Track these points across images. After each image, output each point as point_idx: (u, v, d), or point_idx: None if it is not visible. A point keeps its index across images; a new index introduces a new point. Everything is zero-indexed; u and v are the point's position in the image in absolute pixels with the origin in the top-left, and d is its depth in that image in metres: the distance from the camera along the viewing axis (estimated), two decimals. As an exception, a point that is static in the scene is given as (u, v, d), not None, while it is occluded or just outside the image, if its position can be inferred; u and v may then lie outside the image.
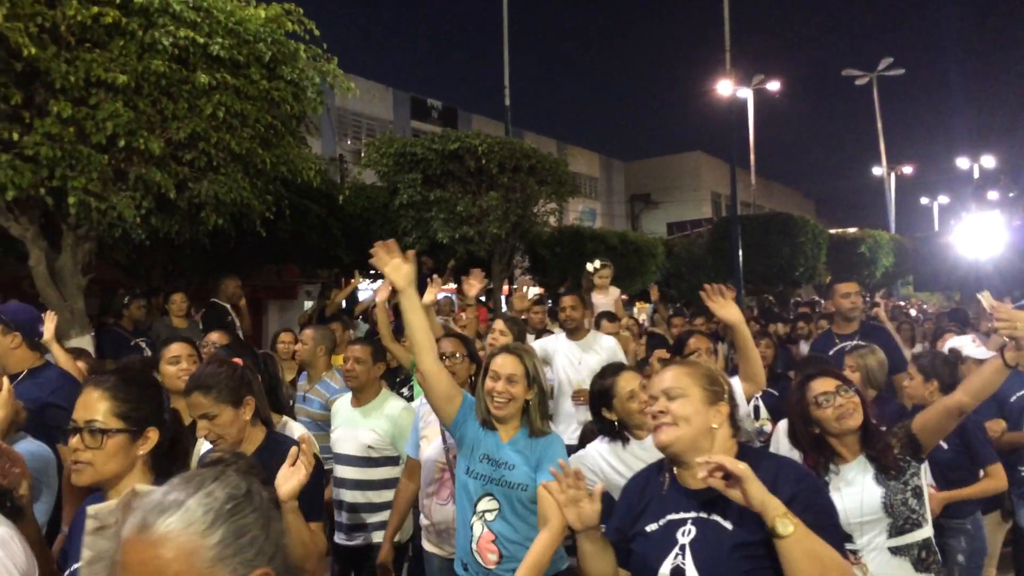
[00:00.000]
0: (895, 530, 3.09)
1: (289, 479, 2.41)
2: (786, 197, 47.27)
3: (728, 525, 2.14)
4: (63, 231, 7.11)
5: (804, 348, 7.44)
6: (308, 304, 16.56)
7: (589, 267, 8.42)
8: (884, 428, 3.30)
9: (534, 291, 15.88)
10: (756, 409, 5.44)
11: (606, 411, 3.52)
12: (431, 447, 3.97)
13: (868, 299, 24.53)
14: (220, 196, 7.07)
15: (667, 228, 34.42)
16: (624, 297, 19.12)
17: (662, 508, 2.29)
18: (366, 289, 14.39)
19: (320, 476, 2.76)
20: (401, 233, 12.28)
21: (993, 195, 33.60)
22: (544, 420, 3.24)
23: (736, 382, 3.65)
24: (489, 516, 3.17)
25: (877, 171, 37.25)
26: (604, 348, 5.84)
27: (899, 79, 34.90)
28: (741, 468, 1.96)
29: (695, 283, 22.02)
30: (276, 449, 2.66)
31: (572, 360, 5.85)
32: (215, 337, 4.97)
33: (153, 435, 2.30)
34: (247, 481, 1.41)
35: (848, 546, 3.11)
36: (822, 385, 3.17)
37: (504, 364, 3.22)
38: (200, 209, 7.19)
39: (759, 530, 2.01)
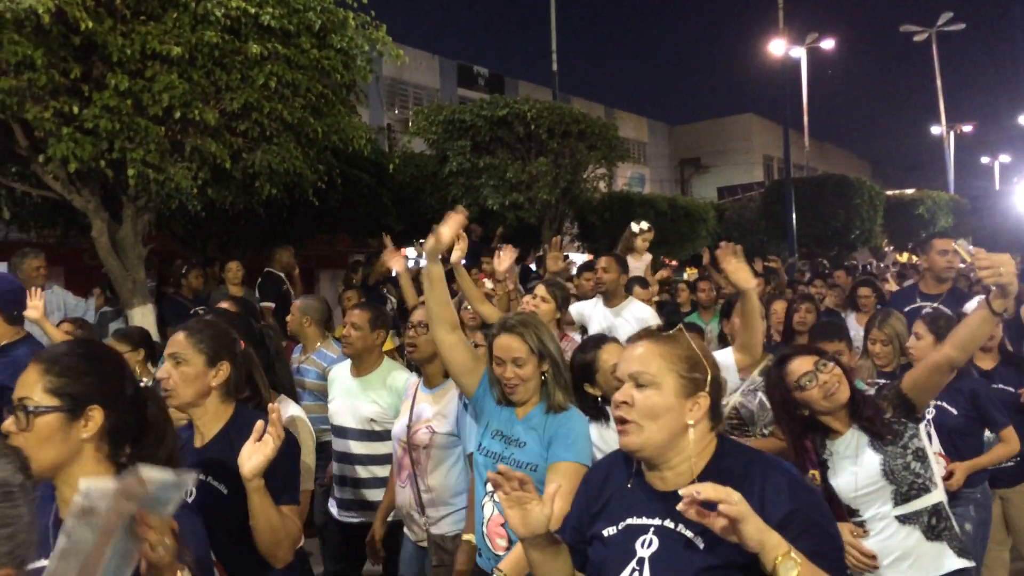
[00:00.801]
0: (900, 497, 2.95)
1: (253, 454, 2.19)
2: (840, 158, 46.21)
3: (699, 542, 1.77)
4: (123, 203, 7.26)
5: (851, 318, 7.02)
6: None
7: (634, 227, 7.97)
8: (872, 392, 3.15)
9: (582, 258, 15.82)
10: None
11: (588, 386, 3.28)
12: (397, 424, 3.76)
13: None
14: (273, 166, 7.14)
15: (717, 193, 33.94)
16: (674, 263, 18.97)
17: (622, 509, 1.94)
18: (413, 258, 14.49)
19: (296, 456, 2.60)
20: (451, 201, 12.28)
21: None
22: (565, 393, 2.96)
23: (727, 353, 3.47)
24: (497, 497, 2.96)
25: (935, 130, 36.18)
26: (636, 318, 5.34)
27: (959, 34, 33.71)
28: (735, 508, 1.57)
29: (747, 248, 21.65)
30: (244, 425, 2.35)
31: (603, 327, 5.29)
32: (226, 307, 4.70)
33: (97, 415, 1.85)
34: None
35: (855, 519, 3.02)
36: (800, 366, 2.97)
37: (507, 347, 2.93)
38: (254, 179, 7.28)
39: (737, 553, 1.65)
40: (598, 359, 3.26)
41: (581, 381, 3.28)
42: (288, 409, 3.09)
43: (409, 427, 3.63)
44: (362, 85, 8.59)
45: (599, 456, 3.03)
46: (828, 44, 28.10)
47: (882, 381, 3.75)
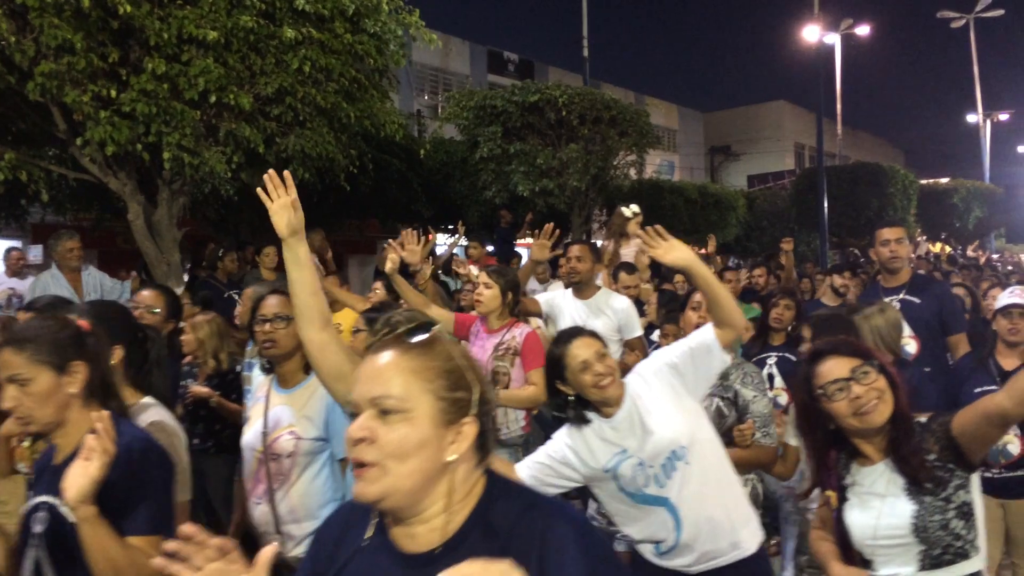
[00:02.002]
0: (930, 560, 2.32)
1: (76, 476, 1.89)
2: (874, 147, 45.56)
3: None
4: (158, 186, 7.34)
5: None
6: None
7: (626, 211, 7.44)
8: (924, 420, 2.45)
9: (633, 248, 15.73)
10: (770, 377, 4.73)
11: (560, 384, 2.90)
12: (249, 432, 3.19)
13: (960, 252, 23.69)
14: (306, 150, 7.18)
15: (747, 181, 33.63)
16: (702, 251, 18.83)
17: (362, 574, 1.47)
18: (442, 244, 14.51)
19: (158, 470, 2.17)
20: (481, 187, 12.30)
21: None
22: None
23: (707, 331, 2.95)
24: None
25: (972, 118, 35.55)
26: (615, 311, 4.98)
27: (998, 20, 33.03)
28: None
29: (777, 236, 21.56)
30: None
31: (576, 321, 4.82)
32: (147, 296, 4.26)
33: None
34: None
35: (869, 572, 2.42)
36: (833, 369, 2.38)
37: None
38: (287, 163, 7.32)
39: None
40: (566, 354, 2.86)
41: (553, 379, 2.94)
42: (150, 414, 2.65)
43: (265, 434, 3.09)
44: (394, 70, 8.60)
45: (582, 468, 2.85)
46: (863, 30, 27.66)
47: None
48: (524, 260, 13.66)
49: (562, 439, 2.94)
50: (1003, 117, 37.56)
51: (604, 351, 2.86)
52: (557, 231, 5.10)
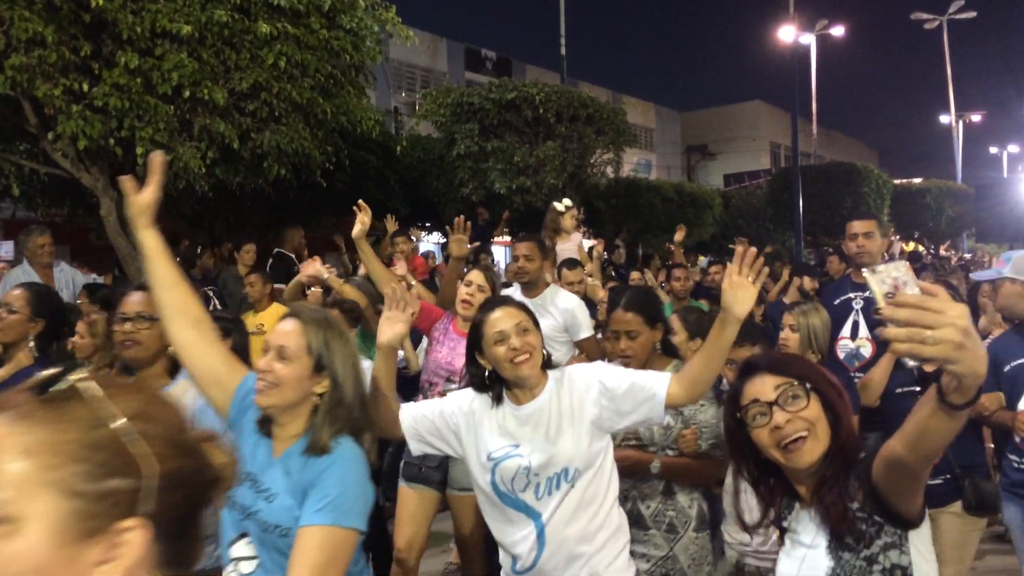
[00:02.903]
0: None
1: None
2: (848, 147, 46.03)
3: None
4: (132, 181, 7.26)
5: None
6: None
7: (559, 205, 7.21)
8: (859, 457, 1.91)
9: (588, 243, 15.79)
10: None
11: (479, 356, 2.64)
12: None
13: (932, 253, 23.99)
14: (282, 146, 7.14)
15: (724, 179, 33.85)
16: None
17: None
18: (424, 241, 14.50)
19: None
20: (458, 184, 12.29)
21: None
22: (335, 429, 2.12)
23: (663, 380, 2.54)
24: (245, 569, 2.15)
25: (944, 119, 36.00)
26: (561, 310, 4.69)
27: (970, 23, 33.45)
28: None
29: (753, 235, 21.75)
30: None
31: None
32: (16, 296, 3.72)
33: None
34: None
35: None
36: (757, 389, 1.91)
37: (280, 333, 2.18)
38: (262, 160, 7.28)
39: None
40: (484, 322, 2.59)
41: (472, 348, 2.68)
42: None
43: None
44: (371, 66, 8.58)
45: (455, 443, 2.66)
46: (838, 31, 27.93)
47: None
48: (499, 258, 13.66)
49: (463, 404, 2.68)
50: (975, 118, 38.08)
51: (528, 326, 2.58)
52: (469, 224, 4.66)
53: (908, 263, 1.44)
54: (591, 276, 6.50)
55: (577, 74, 28.95)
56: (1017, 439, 3.54)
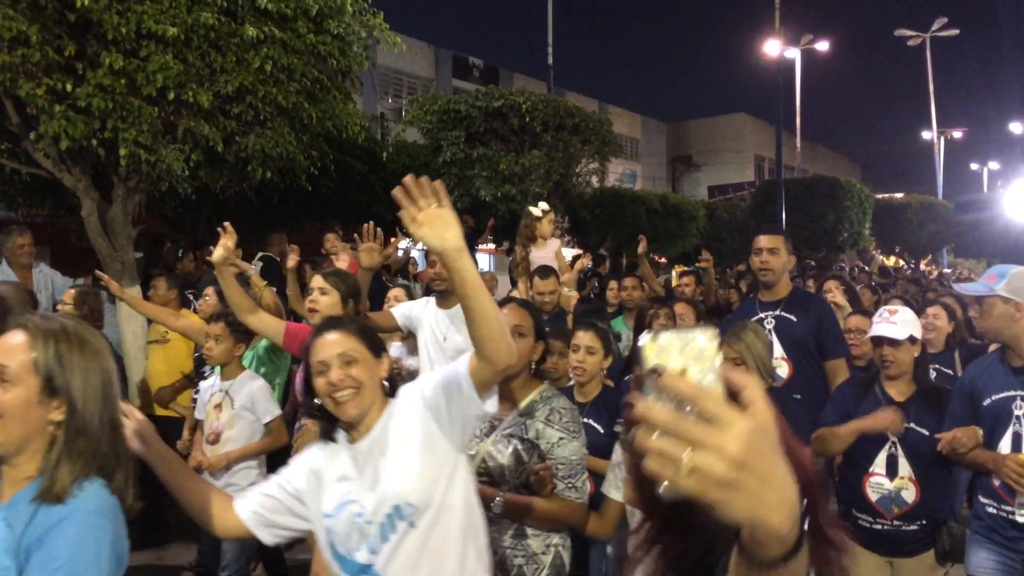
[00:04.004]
0: None
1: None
2: (831, 161, 46.40)
3: None
4: (114, 183, 7.21)
5: None
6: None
7: (534, 210, 6.77)
8: None
9: (572, 252, 15.84)
10: None
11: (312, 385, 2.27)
12: None
13: (913, 267, 24.18)
14: (266, 150, 7.11)
15: (708, 191, 34.02)
16: (663, 260, 19.04)
17: None
18: (407, 247, 14.46)
19: None
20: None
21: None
22: (76, 469, 1.71)
23: (462, 362, 2.19)
24: None
25: (926, 135, 36.39)
26: None
27: (952, 40, 33.87)
28: None
29: (736, 247, 21.87)
30: None
31: (437, 336, 4.22)
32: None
33: None
34: None
35: None
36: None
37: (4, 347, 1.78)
38: (247, 163, 7.24)
39: None
40: (309, 349, 2.23)
41: (307, 376, 2.30)
42: None
43: None
44: (358, 72, 8.56)
45: (303, 510, 2.24)
46: (823, 46, 28.19)
47: None
48: (483, 266, 13.63)
49: (304, 462, 2.30)
50: (957, 135, 38.53)
51: (356, 356, 2.17)
52: (380, 231, 4.32)
53: (723, 352, 1.13)
54: (567, 287, 6.20)
55: (564, 84, 29.09)
56: (996, 482, 3.19)
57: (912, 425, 3.43)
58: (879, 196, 24.91)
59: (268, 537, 2.28)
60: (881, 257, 23.99)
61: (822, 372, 4.17)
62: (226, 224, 3.76)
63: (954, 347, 5.09)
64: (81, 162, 6.93)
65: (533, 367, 2.92)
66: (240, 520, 2.25)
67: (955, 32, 33.17)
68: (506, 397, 2.83)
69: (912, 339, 3.46)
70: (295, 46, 7.04)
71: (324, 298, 3.78)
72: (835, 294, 5.38)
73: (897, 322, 3.46)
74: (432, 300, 4.39)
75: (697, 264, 7.93)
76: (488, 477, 2.76)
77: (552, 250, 6.68)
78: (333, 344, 2.18)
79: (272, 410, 4.56)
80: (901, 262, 25.96)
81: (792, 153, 28.58)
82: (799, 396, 4.00)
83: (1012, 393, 3.20)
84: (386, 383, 2.26)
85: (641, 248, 7.54)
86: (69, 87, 6.09)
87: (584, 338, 3.80)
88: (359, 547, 2.13)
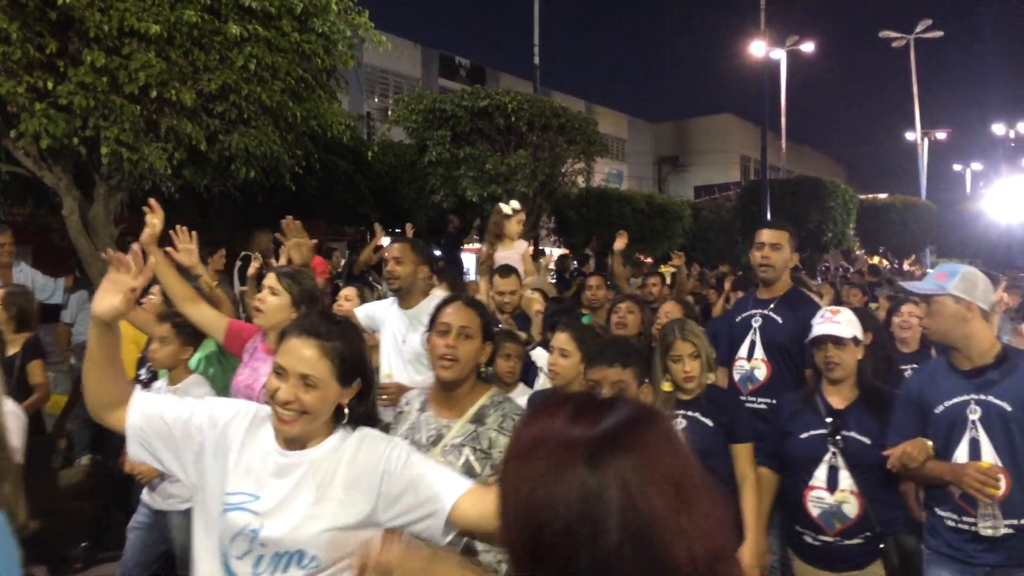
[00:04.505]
0: None
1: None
2: (816, 161, 46.64)
3: None
4: (96, 181, 7.16)
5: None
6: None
7: (504, 207, 6.48)
8: None
9: (558, 252, 15.87)
10: None
11: None
12: None
13: (897, 267, 24.33)
14: (250, 149, 7.08)
15: (694, 191, 34.14)
16: (650, 260, 19.09)
17: None
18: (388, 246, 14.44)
19: None
20: (429, 191, 12.26)
21: (1028, 162, 33.04)
22: None
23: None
24: None
25: (910, 136, 36.57)
26: None
27: (936, 42, 34.05)
28: None
29: (722, 247, 21.96)
30: None
31: (396, 337, 4.06)
32: None
33: None
34: None
35: None
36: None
37: None
38: (230, 162, 7.21)
39: None
40: (283, 344, 2.08)
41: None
42: None
43: None
44: (343, 71, 8.53)
45: (186, 463, 2.05)
46: (808, 47, 28.31)
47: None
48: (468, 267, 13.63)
49: (221, 417, 2.08)
50: (940, 136, 38.79)
51: (316, 383, 1.96)
52: (300, 224, 4.13)
53: None
54: (534, 289, 5.94)
55: (551, 84, 29.13)
56: (956, 494, 2.96)
57: (853, 434, 3.26)
58: (863, 196, 25.04)
59: (135, 451, 2.05)
60: (866, 257, 24.14)
61: (802, 377, 3.98)
62: (151, 201, 3.55)
63: (929, 346, 4.83)
64: (62, 160, 6.87)
65: (482, 370, 2.72)
66: (124, 422, 2.05)
67: (939, 34, 33.37)
68: (452, 404, 2.65)
69: (856, 340, 3.35)
70: (279, 44, 7.01)
71: (273, 299, 3.47)
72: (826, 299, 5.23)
73: (841, 322, 3.34)
74: (396, 301, 4.18)
75: (670, 263, 7.58)
76: None
77: (518, 251, 6.39)
78: (302, 361, 1.96)
79: None
80: (885, 262, 26.12)
81: (777, 154, 28.70)
82: (773, 401, 3.83)
83: (965, 398, 2.98)
84: (346, 410, 2.03)
85: (619, 244, 7.31)
86: (50, 85, 6.04)
87: (558, 339, 3.64)
88: (242, 558, 1.93)
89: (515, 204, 6.53)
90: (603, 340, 3.53)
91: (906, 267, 23.78)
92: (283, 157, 7.59)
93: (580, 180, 14.58)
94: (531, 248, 7.24)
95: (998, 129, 39.06)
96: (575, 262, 14.11)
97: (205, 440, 2.02)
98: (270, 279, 3.55)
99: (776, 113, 28.74)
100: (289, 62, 7.14)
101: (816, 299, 4.97)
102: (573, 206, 16.05)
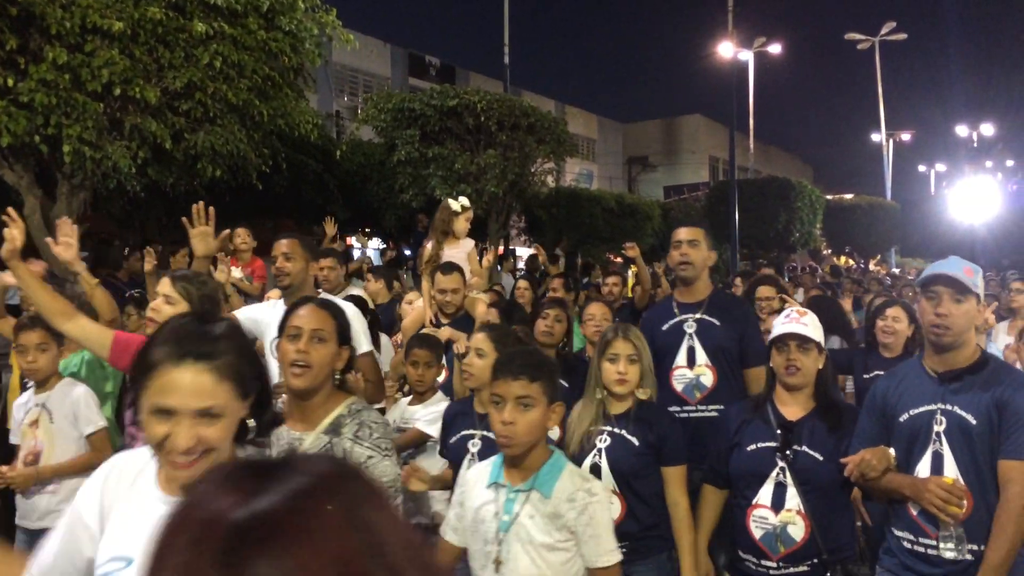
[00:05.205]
0: None
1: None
2: (784, 162, 47.12)
3: None
4: (58, 180, 7.06)
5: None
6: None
7: (453, 204, 6.18)
8: None
9: (528, 252, 15.90)
10: None
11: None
12: None
13: (863, 266, 24.67)
14: (216, 148, 7.02)
15: (664, 191, 34.33)
16: (620, 259, 19.17)
17: None
18: (360, 249, 14.38)
19: None
20: (398, 190, 12.23)
21: (989, 163, 33.61)
22: None
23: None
24: None
25: (876, 137, 37.11)
26: None
27: (900, 45, 34.55)
28: None
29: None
30: None
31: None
32: None
33: None
34: None
35: None
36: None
37: None
38: (196, 160, 7.15)
39: None
40: (162, 380, 1.70)
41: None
42: None
43: None
44: (311, 69, 8.49)
45: (88, 542, 1.68)
46: (775, 49, 28.57)
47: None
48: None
49: (93, 489, 1.74)
50: (905, 137, 39.39)
51: (219, 412, 1.57)
52: (212, 210, 3.83)
53: None
54: (475, 290, 5.65)
55: (522, 84, 29.12)
56: (914, 511, 2.71)
57: (804, 448, 2.95)
58: (829, 197, 25.40)
59: None
60: (832, 258, 24.44)
61: (743, 381, 3.88)
62: (9, 210, 3.30)
63: (912, 351, 4.56)
64: (23, 159, 6.78)
65: (337, 378, 2.49)
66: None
67: (903, 36, 33.86)
68: (306, 415, 2.41)
69: (819, 347, 3.07)
70: (245, 42, 6.96)
71: (168, 308, 3.12)
72: (774, 302, 5.12)
73: (808, 324, 3.07)
74: (281, 301, 3.84)
75: (623, 253, 7.14)
76: None
77: (464, 251, 6.08)
78: (197, 395, 1.55)
79: (95, 420, 3.88)
80: (851, 262, 26.47)
81: (746, 154, 28.95)
82: (723, 406, 3.63)
83: (933, 407, 2.72)
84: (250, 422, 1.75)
85: (563, 248, 6.93)
86: (11, 82, 5.96)
87: (475, 339, 3.46)
88: None
89: (464, 201, 6.22)
90: (511, 350, 3.07)
91: (871, 267, 24.15)
92: (250, 156, 7.54)
93: (550, 180, 14.62)
94: (497, 250, 7.02)
95: (961, 131, 39.66)
96: (543, 266, 14.14)
97: (94, 524, 1.69)
98: (163, 285, 3.20)
99: (744, 114, 28.99)
100: (255, 60, 7.09)
101: (793, 300, 5.01)
102: (543, 206, 16.09)
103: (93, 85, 6.16)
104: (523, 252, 17.31)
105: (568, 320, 4.53)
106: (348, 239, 11.70)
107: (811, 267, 20.70)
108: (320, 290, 4.20)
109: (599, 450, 3.06)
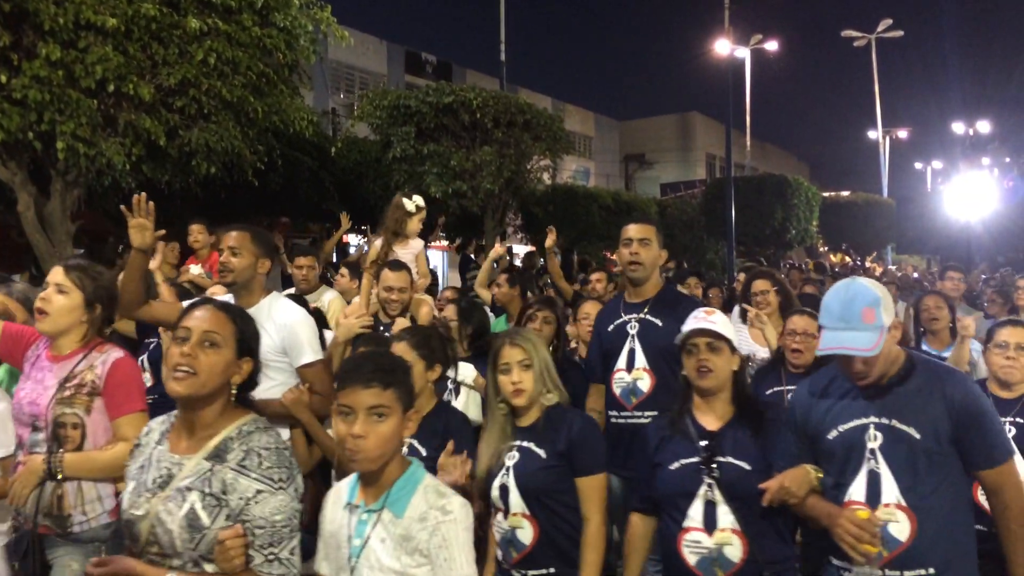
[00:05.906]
0: None
1: None
2: (780, 159, 47.12)
3: None
4: (52, 177, 7.05)
5: None
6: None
7: (408, 204, 5.93)
8: None
9: (526, 249, 15.89)
10: None
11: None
12: None
13: (860, 263, 24.70)
14: (211, 144, 7.01)
15: (660, 189, 34.36)
16: (615, 257, 19.19)
17: None
18: (357, 243, 14.37)
19: None
20: (394, 186, 12.22)
21: (985, 160, 33.64)
22: None
23: None
24: None
25: (872, 135, 37.13)
26: (279, 326, 3.45)
27: (897, 42, 34.63)
28: None
29: (688, 243, 22.12)
30: None
31: None
32: None
33: None
34: None
35: None
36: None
37: None
38: (191, 157, 7.13)
39: None
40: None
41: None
42: None
43: None
44: (305, 66, 8.48)
45: None
46: (772, 46, 28.60)
47: None
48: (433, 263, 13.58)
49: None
50: (901, 134, 39.41)
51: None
52: (152, 204, 3.61)
53: None
54: (419, 291, 5.49)
55: (518, 81, 29.12)
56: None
57: (729, 459, 2.70)
58: (826, 194, 25.38)
59: None
60: (828, 255, 24.47)
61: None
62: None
63: (908, 343, 4.53)
64: (17, 156, 6.77)
65: (234, 392, 2.22)
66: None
67: (900, 34, 33.90)
68: (193, 434, 2.16)
69: (732, 347, 2.84)
70: (240, 39, 6.95)
71: (60, 298, 2.93)
72: (770, 295, 4.94)
73: (717, 321, 2.83)
74: (231, 298, 3.58)
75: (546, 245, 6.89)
76: (158, 547, 2.06)
77: (413, 251, 5.89)
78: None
79: (6, 444, 3.09)
80: (848, 259, 26.49)
81: (742, 152, 28.97)
82: (656, 413, 3.43)
83: (864, 421, 2.46)
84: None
85: (549, 241, 6.84)
86: (4, 78, 5.95)
87: (396, 348, 3.14)
88: None
89: (419, 201, 6.04)
90: (359, 353, 2.82)
91: (868, 264, 24.18)
92: (245, 153, 7.53)
93: (546, 177, 14.61)
94: (504, 246, 6.86)
95: (957, 128, 39.67)
96: (542, 259, 14.13)
97: None
98: (55, 274, 2.98)
99: (741, 111, 29.02)
100: (250, 56, 7.07)
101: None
102: (539, 203, 16.09)
103: (87, 81, 6.15)
104: (519, 249, 17.29)
105: (558, 321, 4.43)
106: (344, 237, 11.68)
107: (794, 263, 20.74)
108: (293, 290, 3.97)
109: (507, 468, 2.79)
